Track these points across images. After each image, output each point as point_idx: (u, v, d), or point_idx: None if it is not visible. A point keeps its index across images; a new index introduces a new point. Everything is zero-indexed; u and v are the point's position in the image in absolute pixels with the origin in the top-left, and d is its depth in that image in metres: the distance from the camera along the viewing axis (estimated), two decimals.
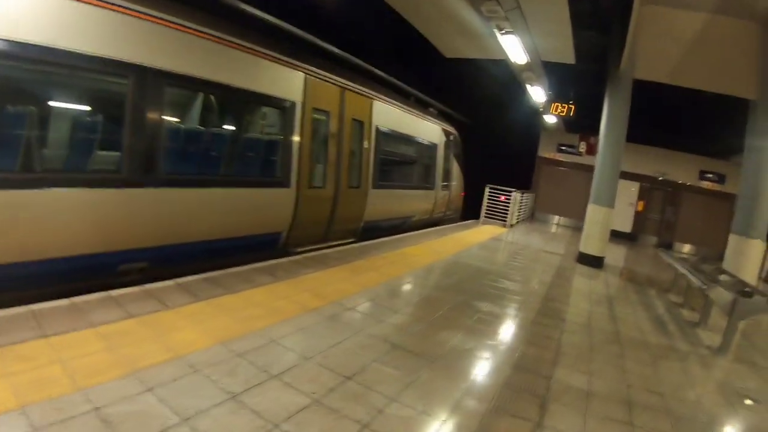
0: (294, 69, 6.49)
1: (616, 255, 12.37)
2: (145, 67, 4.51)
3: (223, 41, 5.36)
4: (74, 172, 4.26)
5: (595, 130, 9.78)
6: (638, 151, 15.87)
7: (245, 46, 5.68)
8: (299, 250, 6.83)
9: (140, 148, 4.60)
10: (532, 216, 18.49)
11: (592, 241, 9.39)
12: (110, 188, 4.35)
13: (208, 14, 5.38)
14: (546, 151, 18.51)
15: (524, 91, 11.67)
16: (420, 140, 10.81)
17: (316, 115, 6.98)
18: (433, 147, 11.54)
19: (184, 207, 5.12)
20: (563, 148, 17.79)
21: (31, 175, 3.79)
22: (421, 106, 11.74)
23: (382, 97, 8.89)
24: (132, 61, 4.39)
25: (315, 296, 4.79)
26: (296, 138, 6.54)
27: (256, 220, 6.11)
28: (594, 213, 9.37)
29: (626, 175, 14.38)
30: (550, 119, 14.84)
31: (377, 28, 10.81)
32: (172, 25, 4.79)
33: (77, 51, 3.93)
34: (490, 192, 13.77)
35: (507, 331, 4.72)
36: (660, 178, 16.92)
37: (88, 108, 4.63)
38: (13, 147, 3.69)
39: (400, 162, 10.30)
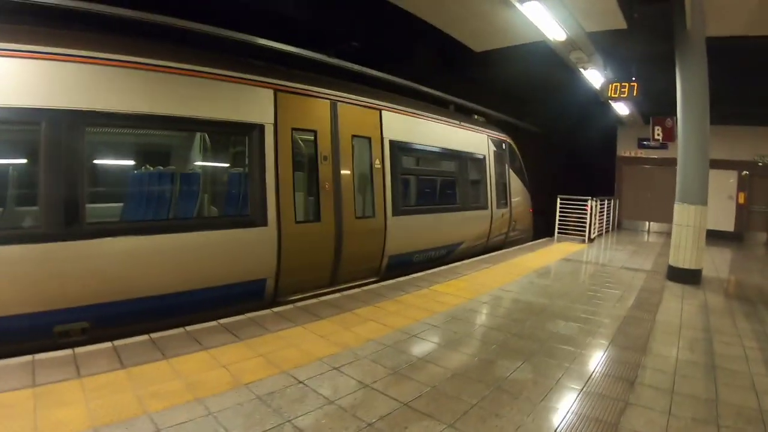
0: (257, 86, 5.53)
1: (718, 262, 9.87)
2: (56, 109, 4.01)
3: (145, 66, 4.61)
4: None
5: (672, 111, 7.74)
6: (729, 134, 13.34)
7: (180, 68, 4.86)
8: (293, 298, 5.69)
9: (56, 199, 4.01)
10: (618, 225, 15.95)
11: (683, 251, 7.21)
12: (27, 244, 3.87)
13: (123, 37, 4.73)
14: (625, 149, 16.02)
15: (583, 81, 9.84)
16: (460, 152, 9.30)
17: (297, 136, 5.94)
18: (480, 160, 9.98)
19: (122, 258, 4.32)
20: (645, 143, 15.11)
21: None
22: (463, 115, 10.33)
23: (397, 106, 7.65)
24: (40, 105, 3.94)
25: (266, 364, 3.66)
26: (270, 166, 5.50)
27: (228, 268, 5.12)
28: (682, 214, 7.24)
29: (718, 164, 11.97)
30: (621, 109, 12.59)
31: (398, 34, 9.69)
32: (81, 59, 4.22)
33: None
34: (562, 203, 11.86)
35: (539, 417, 3.03)
36: (760, 163, 13.85)
37: None
38: None
39: (432, 181, 8.95)
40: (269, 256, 5.47)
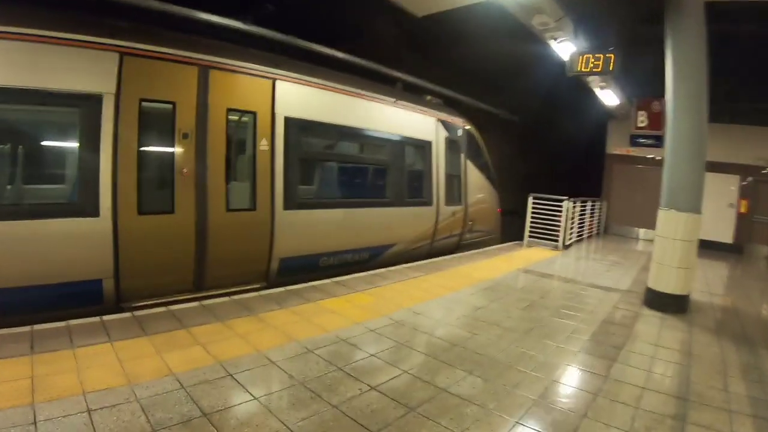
0: (94, 49, 4.29)
1: (711, 279, 8.25)
2: None
3: None
4: None
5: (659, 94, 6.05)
6: (732, 133, 11.75)
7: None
8: (143, 303, 4.54)
9: None
10: (605, 230, 14.28)
11: (666, 271, 5.52)
12: None
13: None
14: (616, 146, 14.21)
15: (561, 61, 8.11)
16: (393, 136, 7.55)
17: (148, 109, 4.59)
18: (422, 147, 8.21)
19: None
20: (638, 139, 13.39)
21: None
22: (415, 95, 8.61)
23: (303, 77, 6.01)
24: None
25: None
26: (104, 144, 4.31)
27: (41, 266, 4.08)
28: (668, 223, 5.57)
29: (718, 167, 10.53)
30: (609, 98, 10.80)
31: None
32: None
33: None
34: (534, 204, 10.19)
35: None
36: (766, 170, 12.09)
37: None
38: None
39: (350, 169, 7.30)
40: (103, 252, 4.38)
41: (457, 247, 9.30)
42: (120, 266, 4.48)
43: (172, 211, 4.79)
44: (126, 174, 4.44)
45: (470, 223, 9.61)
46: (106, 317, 4.03)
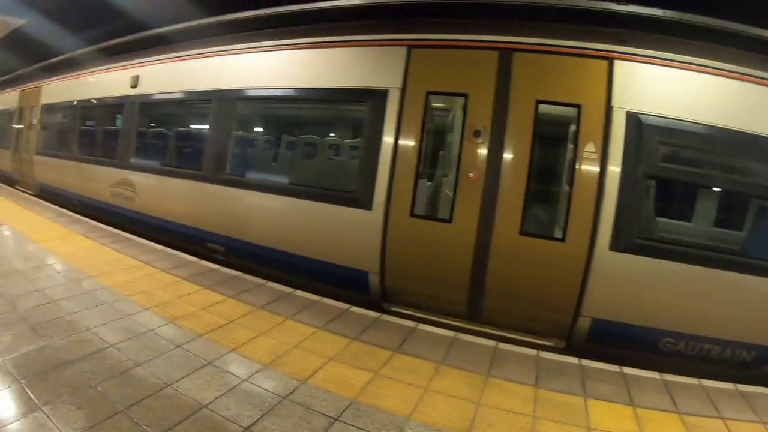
0: (384, 46, 4.61)
1: None
2: None
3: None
4: None
5: None
6: None
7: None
8: (405, 311, 4.32)
9: None
10: None
11: None
12: None
13: None
14: None
15: None
16: None
17: (433, 102, 4.52)
18: None
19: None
20: None
21: None
22: None
23: (667, 55, 3.87)
24: None
25: None
26: (387, 141, 4.42)
27: (330, 246, 4.75)
28: None
29: None
30: None
31: None
32: None
33: None
34: None
35: None
36: None
37: None
38: None
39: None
40: (371, 247, 4.38)
41: None
42: (386, 264, 4.34)
43: (449, 220, 4.14)
44: (403, 172, 4.21)
45: None
46: (384, 316, 3.97)
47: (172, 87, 6.44)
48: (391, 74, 4.32)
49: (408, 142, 4.24)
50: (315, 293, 4.27)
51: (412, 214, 4.21)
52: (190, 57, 6.21)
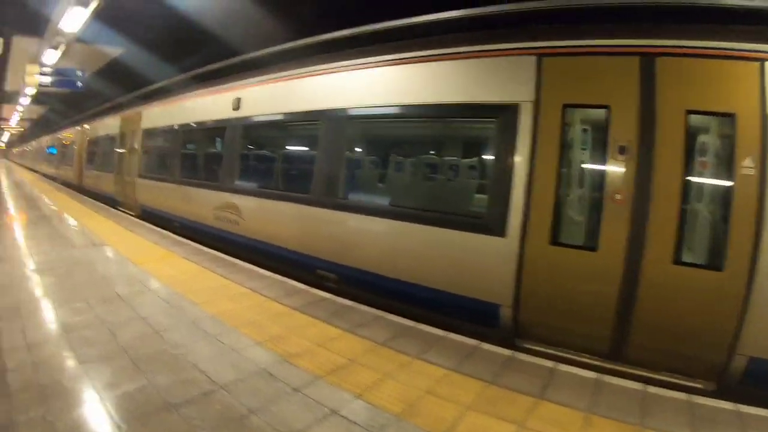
0: (508, 55, 4.25)
1: None
2: None
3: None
4: None
5: None
6: None
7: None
8: (542, 349, 3.85)
9: None
10: None
11: None
12: None
13: None
14: None
15: None
16: None
17: (570, 116, 4.07)
18: None
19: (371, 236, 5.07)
20: None
21: None
22: None
23: None
24: None
25: None
26: (521, 160, 4.04)
27: (449, 274, 4.41)
28: None
29: None
30: None
31: None
32: None
33: None
34: None
35: None
36: None
37: None
38: None
39: None
40: (504, 278, 3.98)
41: None
42: (521, 297, 3.91)
43: (593, 248, 3.68)
44: (541, 195, 3.77)
45: None
46: (519, 355, 3.49)
47: (277, 108, 6.30)
48: (520, 86, 3.92)
49: (545, 162, 3.81)
50: (438, 327, 3.92)
51: (552, 242, 3.77)
52: (293, 77, 6.08)
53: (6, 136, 46.38)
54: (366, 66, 5.15)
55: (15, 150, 58.67)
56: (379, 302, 4.51)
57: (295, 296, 4.58)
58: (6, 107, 22.85)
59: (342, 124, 5.32)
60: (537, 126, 3.83)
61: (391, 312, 4.23)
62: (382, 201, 5.05)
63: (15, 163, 50.07)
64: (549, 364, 3.40)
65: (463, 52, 4.33)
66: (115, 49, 11.82)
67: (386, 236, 4.73)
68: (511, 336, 4.01)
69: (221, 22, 8.01)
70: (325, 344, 3.49)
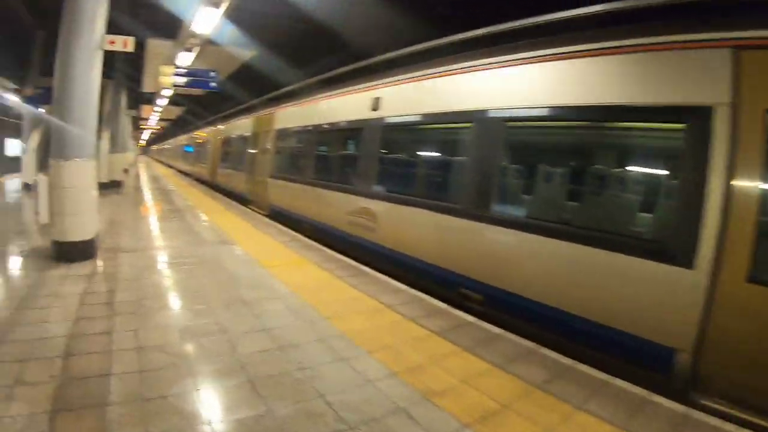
0: (694, 48, 3.51)
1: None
2: None
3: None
4: None
5: None
6: None
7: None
8: (724, 408, 3.17)
9: None
10: None
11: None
12: None
13: None
14: None
15: None
16: None
17: None
18: None
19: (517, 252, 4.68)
20: None
21: None
22: None
23: None
24: None
25: None
26: (716, 176, 3.34)
27: (606, 305, 3.86)
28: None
29: None
30: None
31: None
32: None
33: None
34: None
35: None
36: None
37: None
38: None
39: None
40: (686, 318, 3.33)
41: None
42: (705, 342, 3.28)
43: None
44: (739, 220, 3.11)
45: None
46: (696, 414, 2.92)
47: (424, 108, 5.82)
48: (711, 85, 3.28)
49: (746, 179, 3.13)
50: (598, 367, 3.47)
51: (750, 279, 3.11)
52: (441, 74, 5.63)
53: (146, 135, 52.04)
54: (525, 62, 4.64)
55: (154, 147, 65.51)
56: (530, 331, 4.13)
57: (436, 317, 4.28)
58: (145, 108, 25.33)
59: (498, 128, 4.80)
60: (735, 134, 3.18)
61: (544, 344, 3.82)
62: (545, 217, 4.50)
63: (153, 159, 55.67)
64: (731, 428, 2.89)
65: (632, 45, 3.78)
66: (247, 52, 12.48)
67: (541, 257, 4.25)
68: (685, 387, 3.40)
69: (355, 24, 8.01)
70: (472, 381, 3.12)
